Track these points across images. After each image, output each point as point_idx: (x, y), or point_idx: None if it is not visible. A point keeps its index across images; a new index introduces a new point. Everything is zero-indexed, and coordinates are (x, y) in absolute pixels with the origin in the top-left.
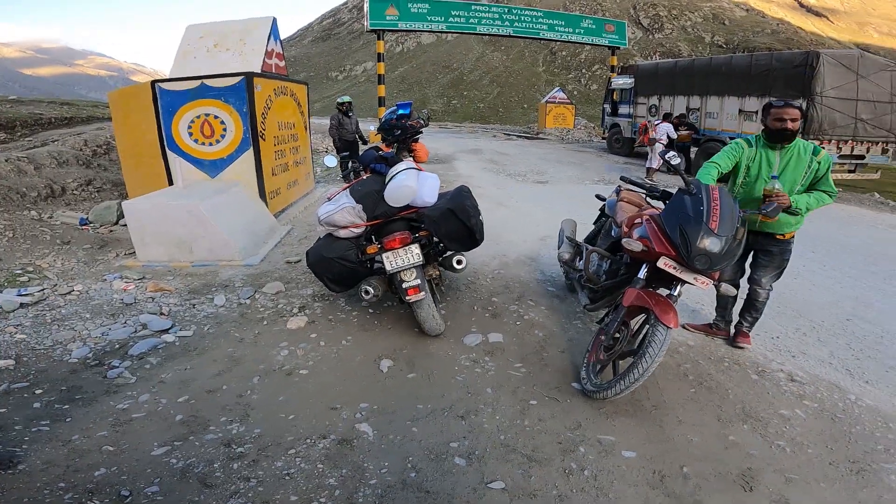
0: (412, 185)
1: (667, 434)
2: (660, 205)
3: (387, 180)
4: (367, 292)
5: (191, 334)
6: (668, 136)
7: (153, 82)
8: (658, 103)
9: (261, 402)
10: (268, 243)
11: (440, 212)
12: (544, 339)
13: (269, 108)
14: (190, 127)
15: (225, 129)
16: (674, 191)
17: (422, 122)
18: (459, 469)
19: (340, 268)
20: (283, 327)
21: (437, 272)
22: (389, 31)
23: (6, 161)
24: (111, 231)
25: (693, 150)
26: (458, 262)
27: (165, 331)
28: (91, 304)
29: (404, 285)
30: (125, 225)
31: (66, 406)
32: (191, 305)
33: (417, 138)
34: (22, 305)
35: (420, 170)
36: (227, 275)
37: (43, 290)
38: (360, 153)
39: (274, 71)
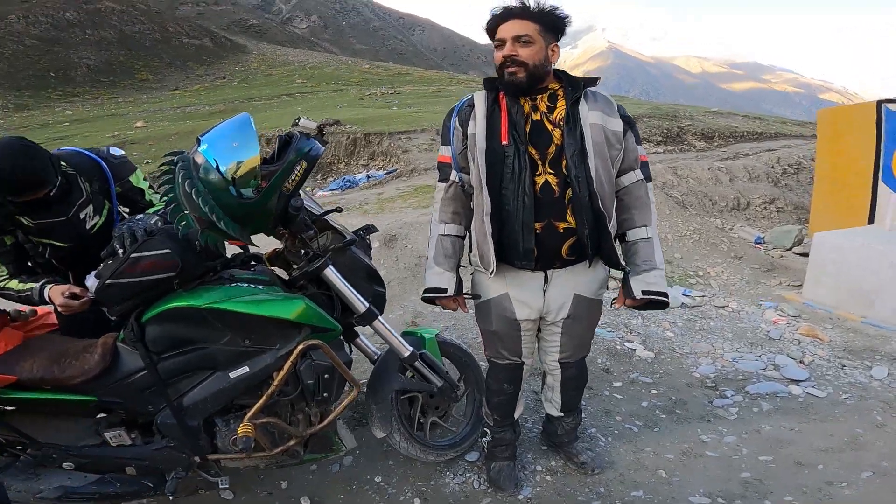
0: None
1: None
2: None
3: None
4: None
5: (822, 396)
6: None
7: (879, 102)
8: None
9: (851, 499)
10: None
11: None
12: None
13: None
14: None
15: None
16: None
17: None
18: None
19: None
20: None
21: None
22: None
23: (708, 169)
24: (782, 256)
25: None
26: None
27: (796, 381)
28: (737, 326)
29: None
30: (800, 253)
31: (664, 416)
32: (839, 365)
33: None
34: (682, 305)
35: None
36: None
37: (703, 296)
38: None
39: None
